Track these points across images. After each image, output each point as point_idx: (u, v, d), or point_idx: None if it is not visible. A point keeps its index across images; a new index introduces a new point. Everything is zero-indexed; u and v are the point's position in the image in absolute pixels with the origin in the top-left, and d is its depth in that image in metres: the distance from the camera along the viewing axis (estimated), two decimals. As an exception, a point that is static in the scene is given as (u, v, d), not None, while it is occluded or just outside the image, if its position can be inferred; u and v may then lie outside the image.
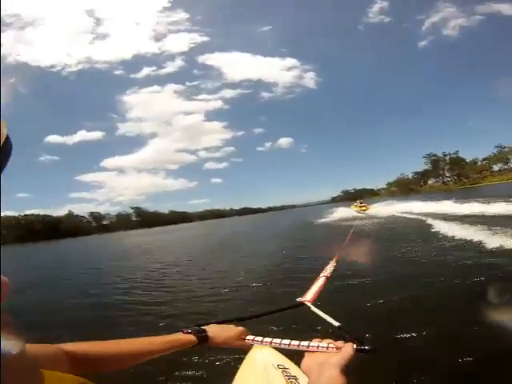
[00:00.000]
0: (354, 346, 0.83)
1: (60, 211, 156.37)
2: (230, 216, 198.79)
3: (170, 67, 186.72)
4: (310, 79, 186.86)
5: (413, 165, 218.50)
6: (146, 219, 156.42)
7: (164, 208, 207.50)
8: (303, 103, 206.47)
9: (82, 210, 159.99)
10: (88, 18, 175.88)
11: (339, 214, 32.94)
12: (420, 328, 4.02)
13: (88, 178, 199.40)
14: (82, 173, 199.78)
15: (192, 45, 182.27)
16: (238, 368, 1.49)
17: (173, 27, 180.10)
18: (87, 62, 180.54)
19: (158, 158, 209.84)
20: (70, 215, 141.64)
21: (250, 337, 1.11)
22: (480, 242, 8.32)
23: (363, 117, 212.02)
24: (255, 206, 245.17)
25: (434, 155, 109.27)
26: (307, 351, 0.89)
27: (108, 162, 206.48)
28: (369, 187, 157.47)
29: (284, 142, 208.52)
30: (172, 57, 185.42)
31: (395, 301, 5.14)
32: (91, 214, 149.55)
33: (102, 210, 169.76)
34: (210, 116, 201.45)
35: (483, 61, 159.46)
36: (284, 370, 1.48)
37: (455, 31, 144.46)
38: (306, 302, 1.41)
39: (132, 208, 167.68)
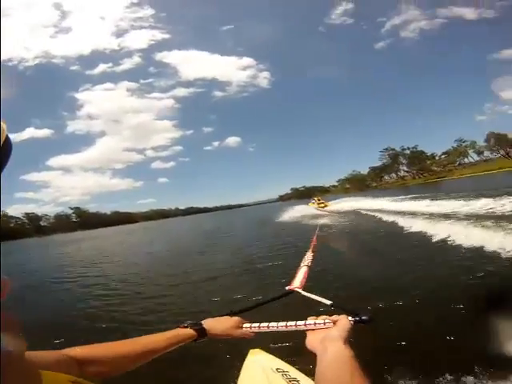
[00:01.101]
0: (350, 317, 0.90)
1: (8, 210, 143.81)
2: (175, 216, 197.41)
3: (127, 64, 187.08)
4: (263, 78, 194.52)
5: (364, 162, 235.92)
6: (86, 220, 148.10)
7: (110, 208, 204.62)
8: (255, 103, 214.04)
9: (26, 210, 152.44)
10: (54, 11, 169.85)
11: (299, 211, 32.43)
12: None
13: (34, 177, 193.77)
14: (27, 172, 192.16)
15: (152, 42, 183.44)
16: (235, 371, 1.56)
17: (136, 23, 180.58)
18: (45, 57, 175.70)
19: (105, 157, 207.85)
20: (4, 216, 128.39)
21: (247, 324, 1.14)
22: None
23: (313, 116, 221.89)
24: (201, 205, 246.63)
25: (392, 149, 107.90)
26: (305, 330, 0.94)
27: (54, 161, 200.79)
28: (319, 184, 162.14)
29: (232, 141, 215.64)
30: (130, 53, 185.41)
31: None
32: (26, 214, 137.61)
33: (46, 210, 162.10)
34: (161, 115, 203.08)
35: (436, 62, 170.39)
36: (283, 373, 1.56)
37: (415, 33, 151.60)
38: (296, 289, 1.47)
39: (71, 208, 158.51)
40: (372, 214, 18.96)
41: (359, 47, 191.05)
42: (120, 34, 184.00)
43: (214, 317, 1.19)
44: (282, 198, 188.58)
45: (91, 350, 0.85)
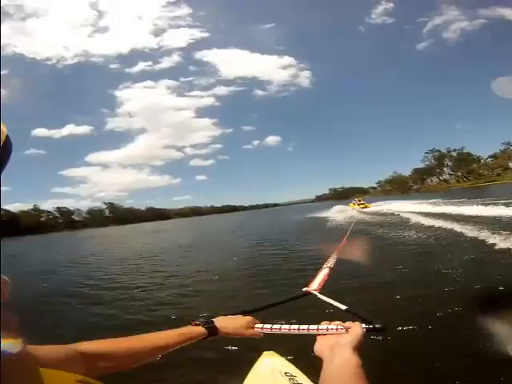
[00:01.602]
0: (363, 325, 0.87)
1: (42, 206, 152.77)
2: (209, 213, 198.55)
3: (166, 62, 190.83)
4: (305, 78, 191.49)
5: (404, 164, 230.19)
6: (120, 216, 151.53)
7: (146, 204, 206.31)
8: (295, 102, 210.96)
9: (63, 205, 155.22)
10: (91, 11, 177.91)
11: (342, 213, 31.01)
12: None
13: (72, 172, 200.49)
14: (66, 167, 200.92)
15: (191, 40, 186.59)
16: (245, 373, 1.63)
17: (174, 22, 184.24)
18: (84, 56, 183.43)
19: (144, 153, 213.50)
20: (35, 209, 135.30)
21: (259, 325, 1.12)
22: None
23: (353, 116, 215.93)
24: (237, 203, 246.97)
25: (437, 151, 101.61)
26: (317, 335, 0.91)
27: (93, 157, 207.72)
28: (357, 186, 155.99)
29: (272, 140, 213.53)
30: (169, 52, 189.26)
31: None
32: (58, 209, 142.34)
33: (83, 205, 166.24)
34: (201, 113, 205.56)
35: (480, 63, 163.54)
36: (291, 377, 1.58)
37: (456, 34, 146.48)
38: (313, 291, 1.42)
39: (105, 203, 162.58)
40: (415, 218, 16.58)
41: (400, 47, 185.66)
42: (158, 33, 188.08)
43: (226, 315, 1.18)
44: (319, 199, 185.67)
45: (99, 345, 0.84)
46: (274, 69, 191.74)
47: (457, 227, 11.36)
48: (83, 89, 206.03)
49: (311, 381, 1.58)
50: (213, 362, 3.64)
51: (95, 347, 0.81)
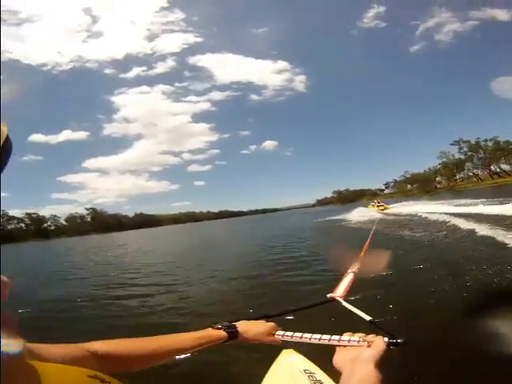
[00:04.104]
0: (386, 339, 0.86)
1: (41, 212, 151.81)
2: (207, 219, 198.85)
3: (161, 68, 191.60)
4: (299, 82, 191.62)
5: (414, 164, 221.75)
6: (101, 223, 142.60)
7: (146, 211, 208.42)
8: (291, 106, 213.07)
9: (63, 211, 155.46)
10: (85, 16, 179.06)
11: (365, 216, 28.33)
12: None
13: (70, 178, 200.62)
14: (64, 173, 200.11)
15: (185, 46, 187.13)
16: (265, 370, 1.69)
17: (167, 27, 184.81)
18: (78, 61, 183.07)
19: (141, 159, 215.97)
20: (3, 216, 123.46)
21: (280, 332, 1.14)
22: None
23: (351, 119, 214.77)
24: (235, 209, 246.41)
25: (467, 141, 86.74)
26: (338, 345, 0.92)
27: (91, 163, 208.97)
28: (364, 188, 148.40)
29: (269, 144, 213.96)
30: (163, 57, 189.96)
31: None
32: (28, 215, 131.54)
33: (81, 211, 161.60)
34: (197, 118, 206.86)
35: (473, 65, 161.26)
36: (310, 374, 1.63)
37: (448, 36, 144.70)
38: (337, 298, 1.45)
39: (87, 209, 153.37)
40: (447, 219, 14.83)
41: (393, 50, 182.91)
42: (152, 38, 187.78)
43: (248, 319, 1.21)
44: (320, 203, 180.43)
45: (112, 345, 0.85)
46: (268, 73, 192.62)
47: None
48: (79, 94, 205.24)
49: (330, 378, 1.59)
50: (232, 360, 3.64)
51: (108, 347, 0.82)
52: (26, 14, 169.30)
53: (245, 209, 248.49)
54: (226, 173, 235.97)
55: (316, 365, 1.72)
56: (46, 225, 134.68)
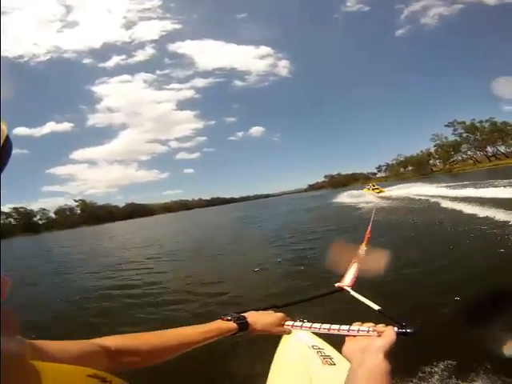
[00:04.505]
0: (396, 329, 0.84)
1: (33, 205, 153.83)
2: (198, 207, 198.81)
3: (141, 56, 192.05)
4: (283, 68, 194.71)
5: (405, 147, 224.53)
6: (92, 214, 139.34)
7: (137, 200, 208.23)
8: (276, 92, 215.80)
9: (54, 203, 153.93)
10: (58, 6, 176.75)
11: (360, 198, 30.61)
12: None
13: (59, 170, 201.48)
14: (52, 166, 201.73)
15: (163, 33, 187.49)
16: (274, 348, 1.71)
17: (144, 14, 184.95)
18: (55, 52, 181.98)
19: (129, 149, 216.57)
20: None
21: (290, 322, 1.14)
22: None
23: (337, 103, 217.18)
24: (227, 195, 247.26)
25: (462, 122, 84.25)
26: (347, 335, 0.91)
27: (78, 154, 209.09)
28: (357, 172, 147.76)
29: (256, 130, 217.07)
30: (142, 45, 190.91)
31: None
32: (15, 209, 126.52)
33: (73, 203, 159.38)
34: (182, 105, 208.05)
35: (459, 49, 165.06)
36: (319, 350, 1.65)
37: (434, 20, 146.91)
38: (346, 287, 1.46)
39: (76, 201, 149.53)
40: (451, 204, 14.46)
41: (377, 34, 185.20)
42: (129, 25, 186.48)
43: (257, 310, 1.21)
44: (311, 187, 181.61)
45: (123, 340, 0.84)
46: (251, 59, 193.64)
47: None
48: (59, 86, 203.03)
49: (339, 353, 1.56)
50: (241, 338, 2.94)
51: (119, 342, 0.81)
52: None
53: (236, 195, 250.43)
54: (214, 160, 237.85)
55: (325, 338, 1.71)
56: (35, 219, 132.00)
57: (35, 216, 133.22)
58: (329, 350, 1.64)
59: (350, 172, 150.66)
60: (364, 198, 30.72)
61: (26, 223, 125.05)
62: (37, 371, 0.42)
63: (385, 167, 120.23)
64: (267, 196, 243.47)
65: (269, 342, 1.83)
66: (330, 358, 1.59)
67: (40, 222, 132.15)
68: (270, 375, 1.65)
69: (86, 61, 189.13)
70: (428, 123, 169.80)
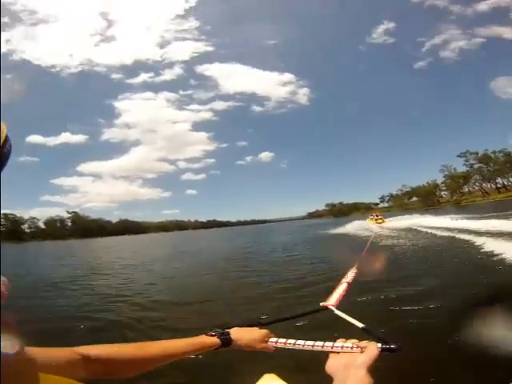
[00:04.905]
0: (379, 345, 0.88)
1: (25, 214, 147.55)
2: (194, 228, 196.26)
3: (168, 75, 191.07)
4: (303, 95, 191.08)
5: (408, 178, 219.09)
6: (81, 227, 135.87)
7: (135, 217, 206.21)
8: (292, 118, 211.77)
9: (49, 213, 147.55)
10: (100, 20, 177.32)
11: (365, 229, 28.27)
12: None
13: (62, 181, 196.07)
14: (57, 176, 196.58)
15: (195, 54, 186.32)
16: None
17: (180, 35, 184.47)
18: (87, 65, 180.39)
19: (137, 165, 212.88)
20: None
21: (274, 339, 1.16)
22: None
23: (349, 134, 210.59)
24: (224, 218, 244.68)
25: (475, 153, 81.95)
26: (331, 352, 0.93)
27: (85, 167, 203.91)
28: (358, 201, 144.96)
29: (265, 156, 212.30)
30: (172, 64, 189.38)
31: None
32: (5, 215, 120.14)
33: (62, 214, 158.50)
34: (197, 126, 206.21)
35: (477, 82, 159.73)
36: None
37: (454, 53, 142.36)
38: (330, 306, 1.49)
39: (69, 212, 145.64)
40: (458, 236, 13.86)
41: (399, 67, 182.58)
42: (163, 45, 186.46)
43: (242, 326, 1.23)
44: (311, 215, 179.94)
45: (104, 349, 0.86)
46: (273, 85, 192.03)
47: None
48: (83, 98, 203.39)
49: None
50: (212, 380, 3.69)
51: (99, 351, 0.82)
52: (42, 14, 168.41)
53: (233, 219, 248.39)
54: (218, 182, 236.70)
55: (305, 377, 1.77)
56: (23, 227, 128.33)
57: (24, 224, 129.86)
58: None
59: (351, 201, 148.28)
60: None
61: (12, 230, 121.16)
62: (32, 376, 0.43)
63: (388, 197, 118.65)
64: (264, 222, 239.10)
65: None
66: None
67: (28, 231, 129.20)
68: None
69: (115, 76, 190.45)
70: (436, 155, 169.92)
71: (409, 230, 21.56)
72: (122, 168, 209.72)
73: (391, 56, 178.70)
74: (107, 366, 0.80)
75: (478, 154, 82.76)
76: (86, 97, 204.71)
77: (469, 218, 19.51)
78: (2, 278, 0.38)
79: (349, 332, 1.07)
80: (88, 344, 0.83)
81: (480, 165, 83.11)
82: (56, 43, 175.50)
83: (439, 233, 15.89)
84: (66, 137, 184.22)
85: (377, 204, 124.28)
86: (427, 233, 17.56)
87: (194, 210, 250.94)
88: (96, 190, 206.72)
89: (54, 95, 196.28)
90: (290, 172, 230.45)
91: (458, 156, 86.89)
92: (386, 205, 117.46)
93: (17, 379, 0.39)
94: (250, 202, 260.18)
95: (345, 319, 1.26)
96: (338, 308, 1.45)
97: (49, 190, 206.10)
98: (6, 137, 0.40)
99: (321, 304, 1.50)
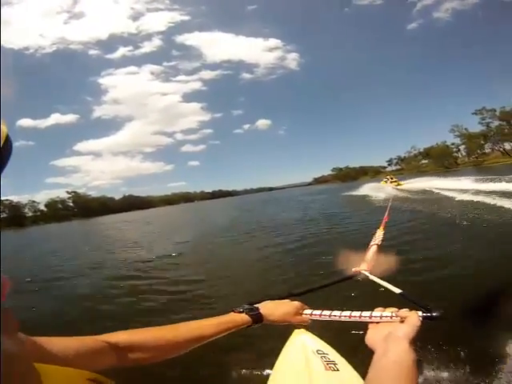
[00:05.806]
0: (420, 313, 0.81)
1: (36, 197, 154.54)
2: (201, 199, 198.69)
3: (148, 47, 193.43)
4: (292, 60, 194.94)
5: (417, 140, 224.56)
6: (84, 207, 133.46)
7: (142, 192, 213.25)
8: (284, 84, 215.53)
9: (58, 195, 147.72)
10: None
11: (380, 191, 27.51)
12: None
13: (63, 162, 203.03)
14: (56, 157, 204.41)
15: (171, 24, 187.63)
16: (277, 351, 1.54)
17: (152, 6, 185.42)
18: (61, 43, 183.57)
19: (134, 140, 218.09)
20: None
21: (308, 311, 1.09)
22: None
23: (347, 97, 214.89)
24: (230, 188, 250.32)
25: (493, 110, 74.71)
26: (369, 322, 0.88)
27: (83, 146, 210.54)
28: (365, 165, 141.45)
29: (262, 123, 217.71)
30: (149, 36, 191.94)
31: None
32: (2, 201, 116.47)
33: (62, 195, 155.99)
34: (188, 97, 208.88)
35: (472, 44, 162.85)
36: (323, 355, 1.52)
37: (447, 14, 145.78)
38: (363, 271, 1.43)
39: (69, 193, 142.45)
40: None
41: (389, 28, 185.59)
42: (136, 17, 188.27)
43: (272, 299, 1.14)
44: (317, 181, 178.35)
45: (133, 335, 0.82)
46: (260, 51, 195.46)
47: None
48: (65, 77, 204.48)
49: (343, 358, 1.54)
50: (243, 342, 3.50)
51: (129, 337, 0.79)
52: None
53: (239, 188, 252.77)
54: (220, 152, 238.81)
55: (331, 345, 1.58)
56: (23, 211, 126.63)
57: (23, 208, 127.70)
58: (333, 355, 1.49)
59: (357, 165, 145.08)
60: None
61: (13, 216, 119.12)
62: (37, 374, 0.42)
63: (396, 160, 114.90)
64: (270, 189, 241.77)
65: (272, 342, 1.78)
66: (334, 364, 1.43)
67: (27, 215, 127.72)
68: (270, 378, 1.46)
69: (92, 52, 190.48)
70: (433, 117, 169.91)
71: (431, 192, 19.96)
72: (119, 144, 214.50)
73: (380, 18, 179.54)
74: (137, 353, 0.76)
75: (495, 110, 76.60)
76: (67, 76, 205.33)
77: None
78: (3, 277, 0.37)
79: (383, 299, 1.02)
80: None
81: (501, 122, 76.83)
82: (24, 25, 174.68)
83: (465, 197, 14.05)
84: (56, 118, 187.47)
85: (385, 167, 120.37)
86: (450, 197, 15.93)
87: (200, 180, 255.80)
88: (98, 167, 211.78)
89: (33, 77, 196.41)
90: (290, 138, 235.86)
91: (473, 113, 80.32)
92: (393, 168, 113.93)
93: (18, 375, 0.38)
94: (254, 171, 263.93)
95: (379, 284, 1.21)
96: (371, 272, 1.39)
97: (51, 172, 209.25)
98: (7, 136, 0.40)
99: (353, 269, 1.43)
